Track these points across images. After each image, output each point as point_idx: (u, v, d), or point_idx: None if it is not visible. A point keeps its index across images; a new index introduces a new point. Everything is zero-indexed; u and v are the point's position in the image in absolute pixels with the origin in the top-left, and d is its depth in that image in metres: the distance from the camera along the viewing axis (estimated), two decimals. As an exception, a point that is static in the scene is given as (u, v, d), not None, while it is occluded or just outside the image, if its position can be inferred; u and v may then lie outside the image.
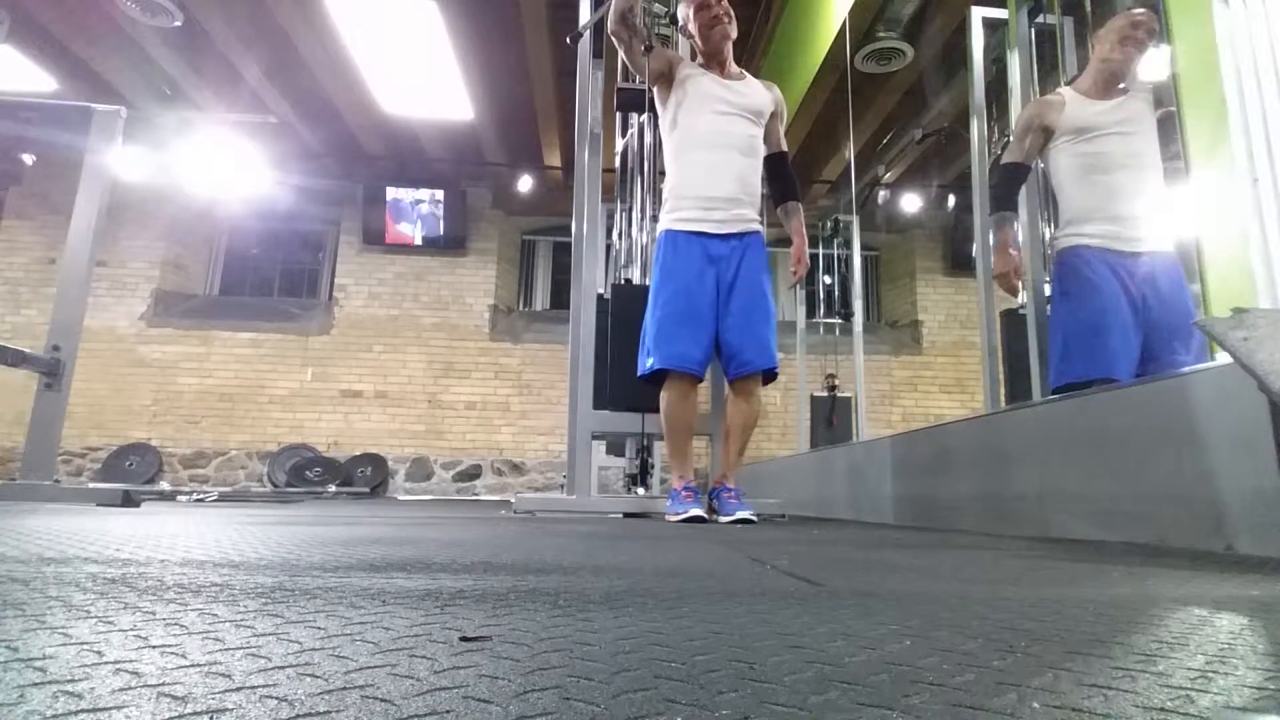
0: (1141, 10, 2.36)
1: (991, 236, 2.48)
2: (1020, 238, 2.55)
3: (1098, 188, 2.28)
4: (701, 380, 2.49)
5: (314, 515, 2.26)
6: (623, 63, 2.83)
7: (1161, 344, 2.17)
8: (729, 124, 2.46)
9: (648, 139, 3.74)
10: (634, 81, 3.02)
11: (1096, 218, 2.27)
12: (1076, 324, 2.27)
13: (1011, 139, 2.54)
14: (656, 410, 2.54)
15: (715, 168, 2.44)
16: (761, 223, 2.56)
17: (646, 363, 2.44)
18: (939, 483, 2.48)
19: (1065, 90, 2.41)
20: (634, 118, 3.96)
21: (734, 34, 2.56)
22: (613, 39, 2.47)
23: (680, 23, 2.87)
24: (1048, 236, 2.83)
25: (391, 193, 7.28)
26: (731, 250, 2.44)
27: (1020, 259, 2.47)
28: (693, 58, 2.70)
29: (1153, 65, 2.39)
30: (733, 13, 2.55)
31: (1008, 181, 2.47)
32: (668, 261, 2.45)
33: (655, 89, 2.56)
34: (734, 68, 2.59)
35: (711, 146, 2.44)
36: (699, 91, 2.48)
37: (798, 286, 3.80)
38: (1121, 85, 2.35)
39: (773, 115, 2.58)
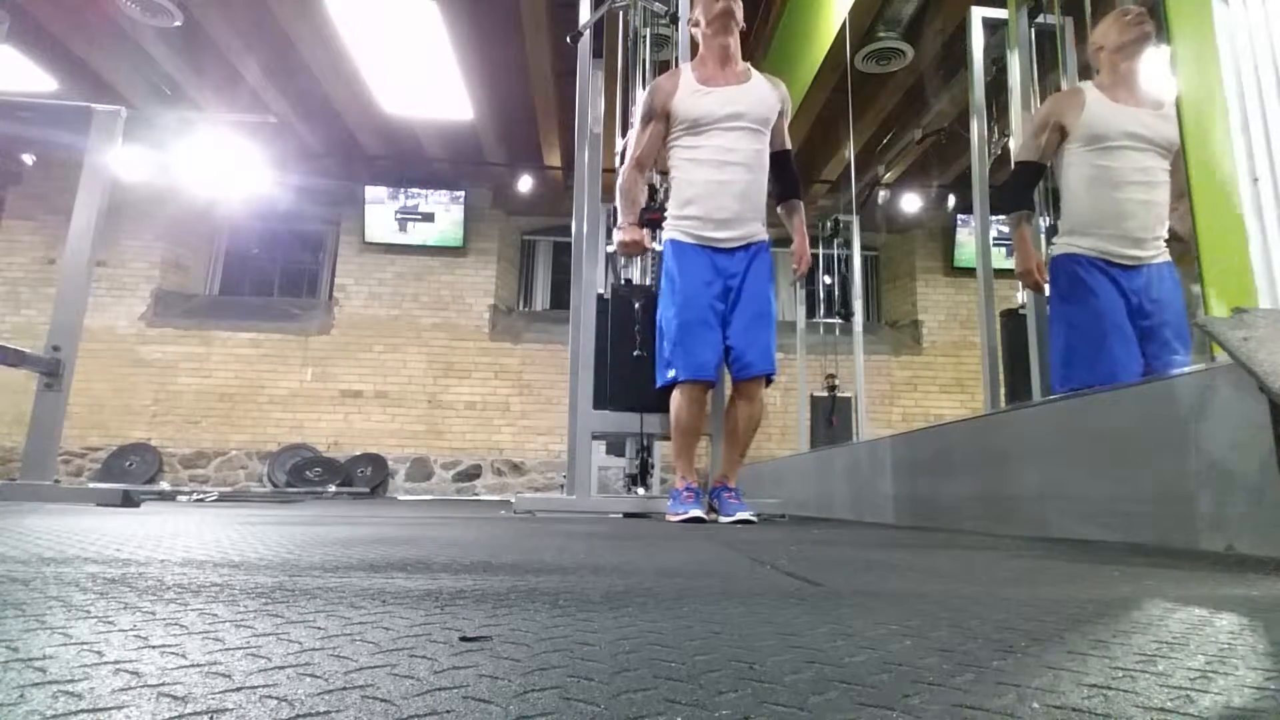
0: (1130, 6, 2.35)
1: (1011, 234, 2.44)
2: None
3: (1103, 203, 2.24)
4: (715, 385, 2.52)
5: (314, 515, 2.26)
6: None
7: (1159, 350, 2.16)
8: (735, 140, 2.43)
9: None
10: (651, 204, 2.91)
11: (1096, 232, 2.24)
12: (1078, 331, 2.25)
13: (1026, 135, 2.47)
14: (656, 410, 2.55)
15: (722, 187, 2.42)
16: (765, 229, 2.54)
17: (668, 374, 2.45)
18: (939, 483, 2.48)
19: (1086, 86, 2.32)
20: (634, 117, 3.94)
21: (740, 19, 2.50)
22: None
23: (687, 17, 2.86)
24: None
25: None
26: (738, 262, 2.46)
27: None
28: (693, 54, 2.68)
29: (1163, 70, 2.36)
30: (740, 3, 2.51)
31: (1022, 180, 2.43)
32: (675, 270, 2.46)
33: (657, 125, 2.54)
34: (739, 64, 2.54)
35: (718, 165, 2.43)
36: (703, 111, 2.44)
37: (798, 286, 3.81)
38: (1143, 91, 2.27)
39: (779, 115, 2.56)
